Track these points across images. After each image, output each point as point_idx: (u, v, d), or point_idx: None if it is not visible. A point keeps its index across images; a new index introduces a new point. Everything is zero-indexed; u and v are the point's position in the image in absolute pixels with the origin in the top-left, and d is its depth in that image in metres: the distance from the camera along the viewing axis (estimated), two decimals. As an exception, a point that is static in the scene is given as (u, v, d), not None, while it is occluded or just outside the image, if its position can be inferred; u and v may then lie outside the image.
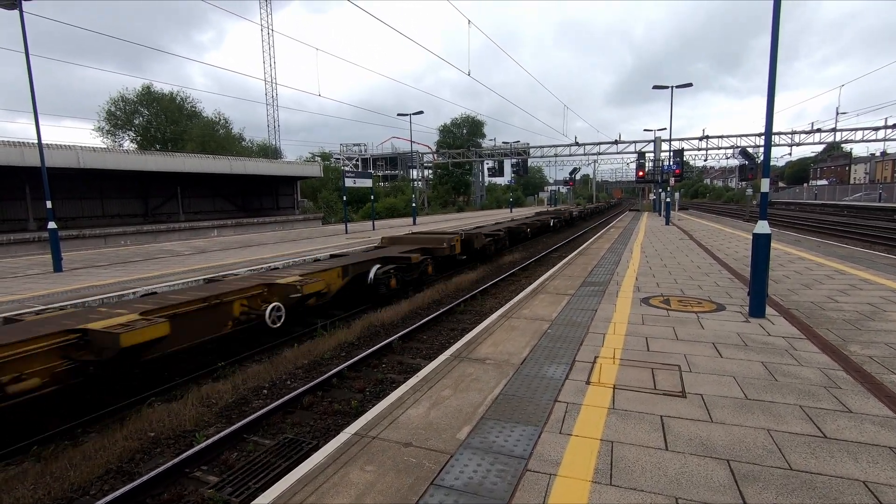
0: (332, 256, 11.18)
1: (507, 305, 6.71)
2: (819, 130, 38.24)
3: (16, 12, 10.04)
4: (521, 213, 36.13)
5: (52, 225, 10.91)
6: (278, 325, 7.14)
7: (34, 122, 10.61)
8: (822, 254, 11.16)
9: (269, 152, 50.76)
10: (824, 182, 73.67)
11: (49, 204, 10.96)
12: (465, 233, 14.70)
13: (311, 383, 5.70)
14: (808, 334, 4.98)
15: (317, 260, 10.94)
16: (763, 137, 5.67)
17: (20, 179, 21.43)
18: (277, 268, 9.81)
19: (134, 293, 7.61)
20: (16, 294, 7.88)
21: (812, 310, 5.99)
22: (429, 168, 58.79)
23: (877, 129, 37.09)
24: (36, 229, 21.21)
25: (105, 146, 38.53)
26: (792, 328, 5.21)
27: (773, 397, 3.51)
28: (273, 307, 7.06)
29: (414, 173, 49.62)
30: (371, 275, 9.75)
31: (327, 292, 8.57)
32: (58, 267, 10.65)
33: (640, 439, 2.97)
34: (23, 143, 19.29)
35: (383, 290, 9.90)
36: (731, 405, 3.40)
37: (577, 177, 66.25)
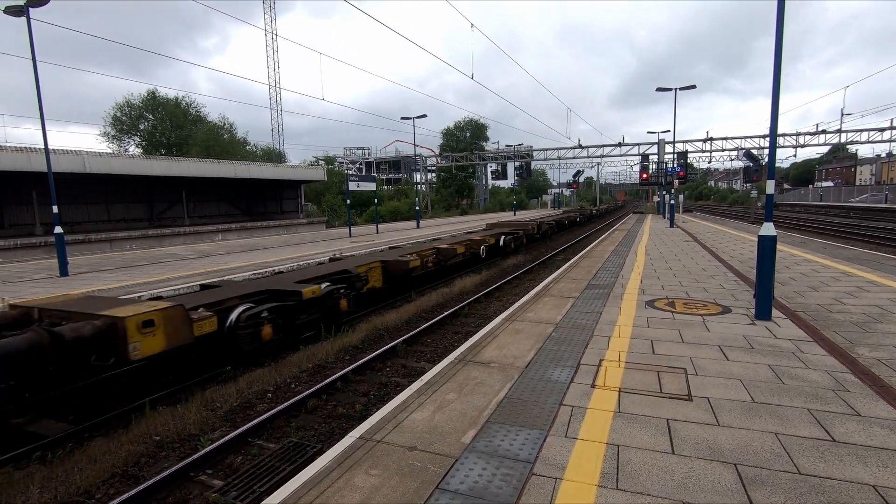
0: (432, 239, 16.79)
1: (512, 308, 6.70)
2: (824, 132, 38.07)
3: (20, 17, 10.15)
4: (526, 215, 36.11)
5: (58, 230, 10.98)
6: (484, 255, 14.92)
7: (41, 128, 10.70)
8: (829, 256, 11.09)
9: (273, 156, 50.98)
10: (830, 183, 73.35)
11: (55, 209, 11.04)
12: (540, 220, 23.47)
13: (316, 387, 5.70)
14: (815, 337, 4.94)
15: (456, 236, 17.66)
16: (768, 139, 5.65)
17: (27, 185, 21.60)
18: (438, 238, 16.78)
19: (139, 296, 7.64)
20: (23, 298, 7.91)
21: (819, 312, 5.95)
22: (432, 171, 58.88)
23: (882, 129, 36.89)
24: (42, 234, 21.36)
25: (111, 151, 38.82)
26: (799, 331, 5.17)
27: (781, 400, 3.48)
28: (483, 247, 14.77)
29: (417, 176, 49.69)
30: (501, 241, 16.50)
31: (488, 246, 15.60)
32: (64, 271, 10.72)
33: (647, 443, 2.95)
34: (30, 148, 19.45)
35: (509, 249, 17.25)
36: (737, 408, 3.37)
37: (581, 179, 66.16)
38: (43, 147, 11.02)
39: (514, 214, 39.70)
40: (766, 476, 2.58)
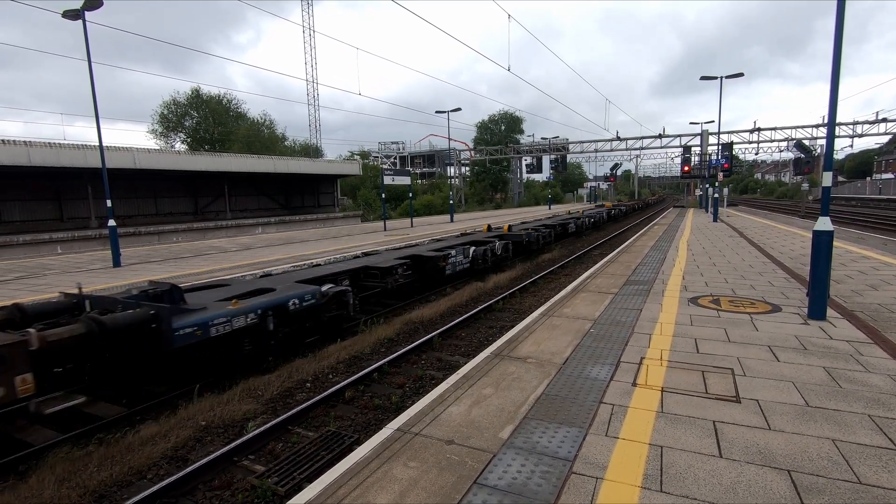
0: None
1: (548, 304, 6.61)
2: (885, 120, 35.56)
3: (76, 21, 10.70)
4: (560, 209, 35.53)
5: (111, 223, 11.57)
6: (590, 226, 24.55)
7: (96, 126, 11.27)
8: (889, 252, 10.41)
9: (311, 152, 52.03)
10: (890, 176, 68.60)
11: (109, 202, 11.63)
12: (615, 206, 32.82)
13: (353, 377, 5.79)
14: (875, 338, 4.65)
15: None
16: (820, 129, 5.32)
17: (83, 180, 22.85)
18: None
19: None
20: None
21: (879, 312, 5.60)
22: (466, 165, 58.64)
23: (952, 117, 34.19)
24: (97, 227, 22.56)
25: (158, 148, 40.54)
26: (857, 332, 4.88)
27: (838, 405, 3.29)
28: (580, 222, 22.30)
29: (451, 170, 49.63)
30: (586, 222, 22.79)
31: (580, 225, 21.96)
32: (117, 262, 11.30)
33: (692, 445, 2.85)
34: (85, 145, 20.56)
35: (590, 228, 23.59)
36: (790, 412, 3.21)
37: (619, 172, 64.46)
38: (97, 144, 11.60)
39: (549, 209, 39.10)
40: (823, 484, 2.44)
